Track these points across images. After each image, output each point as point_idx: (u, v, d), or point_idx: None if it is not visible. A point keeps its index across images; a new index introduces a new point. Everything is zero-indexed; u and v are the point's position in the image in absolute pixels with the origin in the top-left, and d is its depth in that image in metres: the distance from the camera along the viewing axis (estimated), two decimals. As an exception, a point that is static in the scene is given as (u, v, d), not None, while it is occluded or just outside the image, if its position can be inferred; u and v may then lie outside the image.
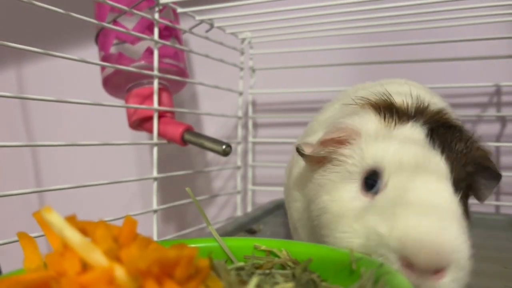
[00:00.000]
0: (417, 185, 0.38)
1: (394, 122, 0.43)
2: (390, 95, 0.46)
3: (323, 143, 0.44)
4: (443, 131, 0.43)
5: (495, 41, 0.81)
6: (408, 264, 0.34)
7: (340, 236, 0.39)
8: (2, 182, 1.47)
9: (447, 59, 0.86)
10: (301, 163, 0.51)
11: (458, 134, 0.43)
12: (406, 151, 0.40)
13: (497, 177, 0.45)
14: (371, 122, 0.44)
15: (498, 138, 0.89)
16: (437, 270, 0.34)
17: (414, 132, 0.42)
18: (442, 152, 0.40)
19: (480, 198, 0.46)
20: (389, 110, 0.44)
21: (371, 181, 0.41)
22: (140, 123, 0.83)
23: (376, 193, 0.40)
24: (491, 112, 0.89)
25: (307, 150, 0.45)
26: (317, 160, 0.46)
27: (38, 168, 1.43)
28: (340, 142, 0.44)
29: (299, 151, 0.46)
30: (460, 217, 0.38)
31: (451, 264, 0.35)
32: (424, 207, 0.36)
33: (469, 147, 0.43)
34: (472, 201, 0.87)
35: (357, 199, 0.41)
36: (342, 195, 0.42)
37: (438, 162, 0.40)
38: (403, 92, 0.47)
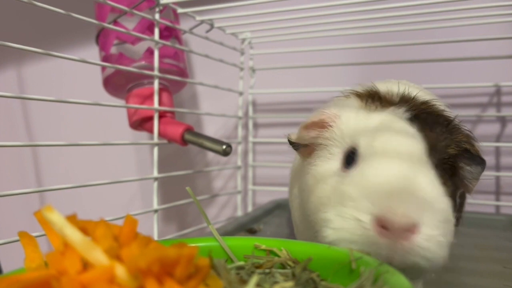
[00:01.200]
0: (388, 143, 0.38)
1: (374, 106, 0.45)
2: (376, 86, 0.48)
3: (306, 127, 0.46)
4: (425, 116, 0.43)
5: (495, 41, 0.81)
6: (382, 224, 0.34)
7: (322, 216, 0.39)
8: (3, 182, 1.47)
9: (447, 59, 0.87)
10: (297, 158, 0.52)
11: (440, 119, 0.44)
12: (382, 129, 0.41)
13: (481, 162, 0.44)
14: (352, 106, 0.46)
15: (498, 138, 0.89)
16: (409, 226, 0.34)
17: (394, 116, 0.43)
18: (420, 132, 0.41)
19: (468, 189, 0.45)
20: (372, 97, 0.46)
21: (349, 156, 0.42)
22: (141, 123, 0.83)
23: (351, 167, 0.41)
24: (491, 112, 0.90)
25: (293, 137, 0.47)
26: (309, 151, 0.47)
27: (39, 168, 1.43)
28: (322, 126, 0.46)
29: (288, 141, 0.48)
30: (438, 182, 0.37)
31: (424, 216, 0.34)
32: (394, 155, 0.37)
33: (450, 130, 0.44)
34: (471, 200, 0.87)
35: (337, 176, 0.41)
36: (325, 177, 0.43)
37: (413, 141, 0.40)
38: (394, 87, 0.48)
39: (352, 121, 0.44)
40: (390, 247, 0.34)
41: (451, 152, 0.42)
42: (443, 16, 0.79)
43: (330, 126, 0.45)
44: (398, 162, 0.37)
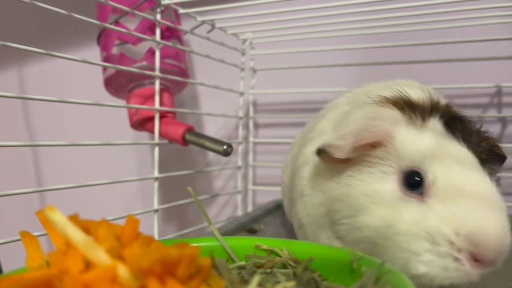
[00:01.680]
0: (465, 179, 0.40)
1: (419, 119, 0.44)
2: (405, 91, 0.47)
3: (358, 148, 0.43)
4: (457, 124, 0.45)
5: (496, 42, 0.81)
6: (475, 258, 0.37)
7: (398, 239, 0.40)
8: (3, 183, 1.48)
9: (448, 60, 0.87)
10: (314, 161, 0.50)
11: (470, 126, 0.46)
12: (442, 147, 0.42)
13: (503, 159, 0.47)
14: (399, 121, 0.44)
15: (499, 139, 0.89)
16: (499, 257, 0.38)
17: (438, 127, 0.44)
18: (465, 144, 0.43)
19: None
20: (410, 107, 0.45)
21: (412, 180, 0.42)
22: (142, 123, 0.83)
23: (422, 193, 0.41)
24: (492, 113, 0.89)
25: (338, 153, 0.43)
26: (346, 162, 0.45)
27: (39, 169, 1.43)
28: (373, 145, 0.44)
29: (324, 152, 0.45)
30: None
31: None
32: (479, 201, 0.39)
33: (481, 137, 0.46)
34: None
35: (400, 198, 0.42)
36: (384, 199, 0.42)
37: (468, 154, 0.42)
38: (414, 88, 0.49)
39: (409, 141, 0.43)
40: (480, 275, 0.38)
41: (484, 158, 0.44)
42: (444, 17, 0.80)
43: (383, 145, 0.44)
44: (488, 209, 0.39)
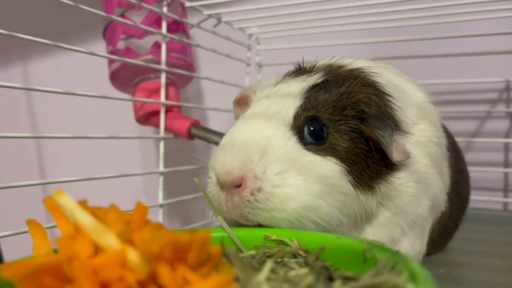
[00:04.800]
0: (237, 128, 0.44)
1: (282, 79, 0.49)
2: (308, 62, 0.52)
3: (236, 102, 0.53)
4: (334, 80, 0.45)
5: (505, 36, 0.80)
6: (219, 183, 0.42)
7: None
8: (7, 176, 1.48)
9: (456, 54, 0.86)
10: None
11: (348, 80, 0.45)
12: (261, 102, 0.46)
13: (387, 125, 0.42)
14: (266, 83, 0.50)
15: (507, 135, 0.88)
16: (234, 184, 0.41)
17: (292, 84, 0.46)
18: (308, 96, 0.44)
19: (388, 153, 0.42)
20: (291, 71, 0.51)
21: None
22: (147, 117, 0.82)
23: None
24: (501, 108, 0.88)
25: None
26: None
27: (43, 163, 1.43)
28: (246, 103, 0.50)
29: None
30: (273, 146, 0.41)
31: (245, 177, 0.40)
32: (230, 143, 0.43)
33: (352, 90, 0.44)
34: (480, 197, 0.85)
35: None
36: None
37: (280, 110, 0.44)
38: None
39: (261, 95, 0.48)
40: (226, 202, 0.42)
41: (349, 114, 0.43)
42: (452, 10, 0.79)
43: (251, 102, 0.49)
44: (231, 148, 0.42)
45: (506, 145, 0.88)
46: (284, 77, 0.50)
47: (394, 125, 0.43)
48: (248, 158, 0.40)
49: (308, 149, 0.42)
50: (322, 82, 0.45)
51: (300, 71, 0.50)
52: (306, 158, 0.41)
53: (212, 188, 0.44)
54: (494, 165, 0.89)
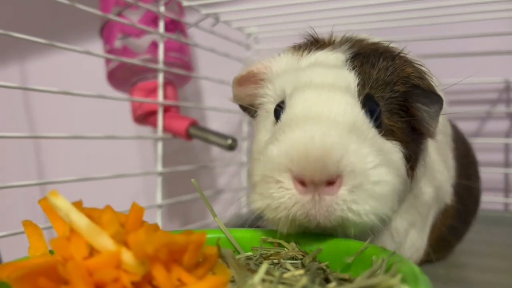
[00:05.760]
0: (307, 100, 0.36)
1: (304, 51, 0.42)
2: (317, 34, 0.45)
3: (238, 82, 0.44)
4: (368, 53, 0.40)
5: (506, 36, 0.80)
6: (301, 180, 0.32)
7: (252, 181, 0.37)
8: (5, 176, 1.47)
9: (456, 54, 0.85)
10: None
11: (387, 54, 0.40)
12: (307, 74, 0.38)
13: (436, 99, 0.38)
14: (282, 57, 0.43)
15: (507, 135, 0.88)
16: (329, 181, 0.32)
17: (326, 56, 0.40)
18: (356, 69, 0.38)
19: (429, 132, 0.39)
20: (305, 44, 0.43)
21: (278, 112, 0.39)
22: (145, 117, 0.82)
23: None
24: (501, 108, 0.88)
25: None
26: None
27: (41, 164, 1.43)
28: (255, 82, 0.43)
29: (240, 106, 0.46)
30: (360, 128, 0.34)
31: (343, 171, 0.32)
32: (311, 120, 0.34)
33: (397, 64, 0.40)
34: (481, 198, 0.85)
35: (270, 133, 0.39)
36: (260, 139, 0.41)
37: (342, 79, 0.37)
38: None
39: (282, 73, 0.41)
40: (312, 204, 0.32)
41: (400, 89, 0.39)
42: (452, 10, 0.78)
43: (263, 81, 0.43)
44: (316, 125, 0.33)
45: (506, 145, 0.88)
46: (303, 50, 0.43)
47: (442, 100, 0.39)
48: (343, 147, 0.32)
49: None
50: (356, 55, 0.40)
51: (319, 43, 0.44)
52: (386, 146, 0.36)
53: (285, 193, 0.33)
54: (495, 165, 0.88)
